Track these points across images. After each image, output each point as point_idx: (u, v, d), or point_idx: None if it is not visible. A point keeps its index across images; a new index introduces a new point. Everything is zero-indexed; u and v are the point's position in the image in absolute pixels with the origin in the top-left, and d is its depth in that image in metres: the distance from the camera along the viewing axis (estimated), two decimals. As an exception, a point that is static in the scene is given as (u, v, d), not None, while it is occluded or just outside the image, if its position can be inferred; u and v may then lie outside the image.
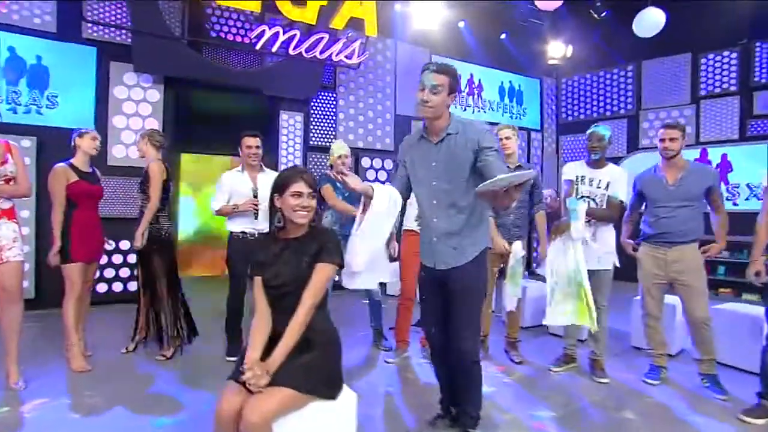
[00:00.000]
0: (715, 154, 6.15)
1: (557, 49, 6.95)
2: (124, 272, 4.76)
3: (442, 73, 1.85)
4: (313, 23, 5.17)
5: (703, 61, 6.27)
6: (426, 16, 5.97)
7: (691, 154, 6.07)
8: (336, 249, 1.69)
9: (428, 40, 6.34)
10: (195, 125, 5.56)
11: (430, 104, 1.85)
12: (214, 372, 2.89)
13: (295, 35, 5.14)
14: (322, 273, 1.65)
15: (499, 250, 3.03)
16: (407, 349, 3.36)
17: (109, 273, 4.70)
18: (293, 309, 1.62)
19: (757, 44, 5.84)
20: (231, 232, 3.29)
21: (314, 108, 5.66)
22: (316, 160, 5.70)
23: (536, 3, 5.12)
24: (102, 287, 4.64)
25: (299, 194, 1.66)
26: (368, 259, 1.95)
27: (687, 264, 2.71)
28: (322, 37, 5.24)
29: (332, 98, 5.74)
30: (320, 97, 5.68)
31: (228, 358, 3.21)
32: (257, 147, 3.28)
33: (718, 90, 6.14)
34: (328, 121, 5.73)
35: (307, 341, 1.62)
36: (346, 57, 5.42)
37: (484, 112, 6.94)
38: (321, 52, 5.27)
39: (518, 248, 3.22)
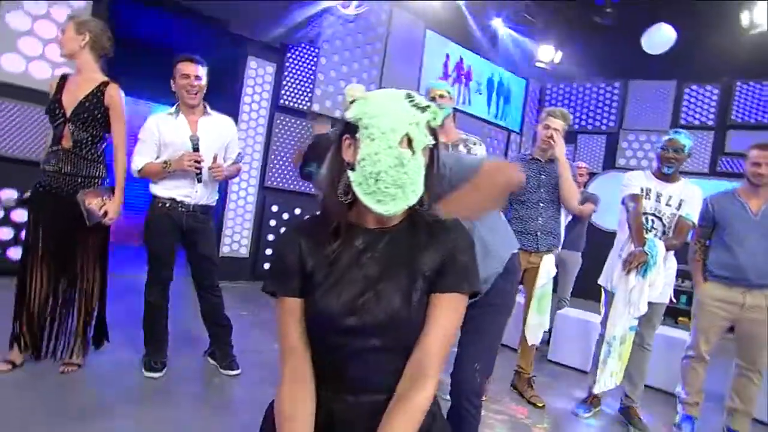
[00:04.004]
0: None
1: (546, 53, 6.64)
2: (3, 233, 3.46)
3: None
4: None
5: (686, 91, 6.28)
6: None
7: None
8: (472, 261, 0.91)
9: (426, 13, 5.63)
10: (135, 60, 4.31)
11: None
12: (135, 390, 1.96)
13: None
14: (449, 314, 0.86)
15: None
16: None
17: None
18: (374, 380, 0.85)
19: (738, 83, 5.94)
20: (154, 197, 2.31)
21: (290, 60, 4.68)
22: (284, 123, 4.73)
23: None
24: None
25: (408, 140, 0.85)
26: None
27: (763, 313, 2.31)
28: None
29: (313, 53, 4.79)
30: (300, 48, 4.71)
31: (146, 374, 2.30)
32: (197, 77, 2.28)
33: (696, 122, 6.18)
34: (304, 79, 4.78)
35: None
36: (342, 3, 4.50)
37: (470, 104, 6.39)
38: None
39: (549, 264, 2.67)
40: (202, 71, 2.31)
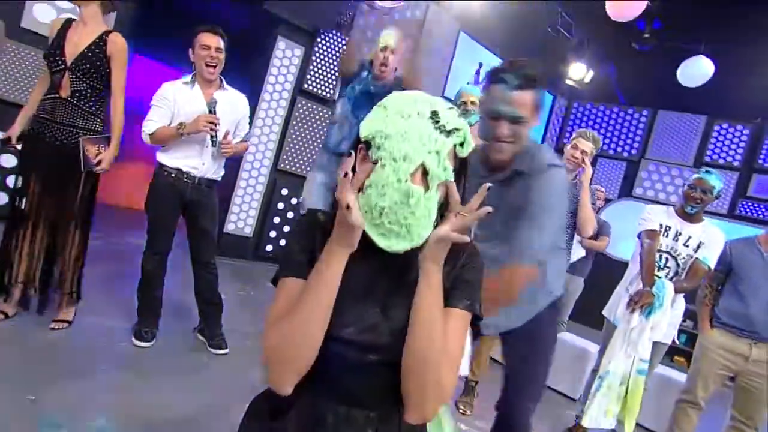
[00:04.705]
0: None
1: (578, 71, 6.53)
2: None
3: None
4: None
5: (716, 128, 6.14)
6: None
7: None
8: (478, 282, 0.86)
9: (462, 15, 5.54)
10: (160, 25, 4.27)
11: None
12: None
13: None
14: (456, 327, 0.80)
15: None
16: None
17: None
18: (369, 395, 0.81)
19: (770, 127, 5.80)
20: (161, 166, 2.28)
21: (319, 46, 4.63)
22: (305, 107, 4.69)
23: (610, 6, 4.52)
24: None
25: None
26: None
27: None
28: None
29: (343, 41, 4.74)
30: (331, 34, 4.65)
31: (135, 342, 2.28)
32: (218, 50, 2.24)
33: (721, 161, 6.05)
34: (331, 66, 4.73)
35: None
36: (380, -5, 4.45)
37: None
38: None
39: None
40: (221, 43, 2.26)
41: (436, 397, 0.76)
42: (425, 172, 0.72)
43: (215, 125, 2.20)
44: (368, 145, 0.76)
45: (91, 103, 2.14)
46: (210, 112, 2.22)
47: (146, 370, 2.10)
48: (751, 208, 5.79)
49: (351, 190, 0.70)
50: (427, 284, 0.75)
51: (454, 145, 0.76)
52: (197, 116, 2.19)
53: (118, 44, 2.13)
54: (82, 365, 1.98)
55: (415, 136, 0.72)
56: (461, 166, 0.80)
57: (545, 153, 1.40)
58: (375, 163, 0.74)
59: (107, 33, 2.13)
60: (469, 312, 0.82)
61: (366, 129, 0.76)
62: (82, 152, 2.06)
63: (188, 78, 2.32)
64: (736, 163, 5.98)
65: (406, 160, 0.71)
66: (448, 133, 0.74)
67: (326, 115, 4.81)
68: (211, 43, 2.23)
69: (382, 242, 0.74)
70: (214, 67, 2.25)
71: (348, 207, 0.70)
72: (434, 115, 0.74)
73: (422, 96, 0.77)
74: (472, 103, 2.40)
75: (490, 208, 0.73)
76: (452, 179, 0.76)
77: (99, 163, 2.12)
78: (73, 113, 2.10)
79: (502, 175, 1.38)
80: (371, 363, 0.79)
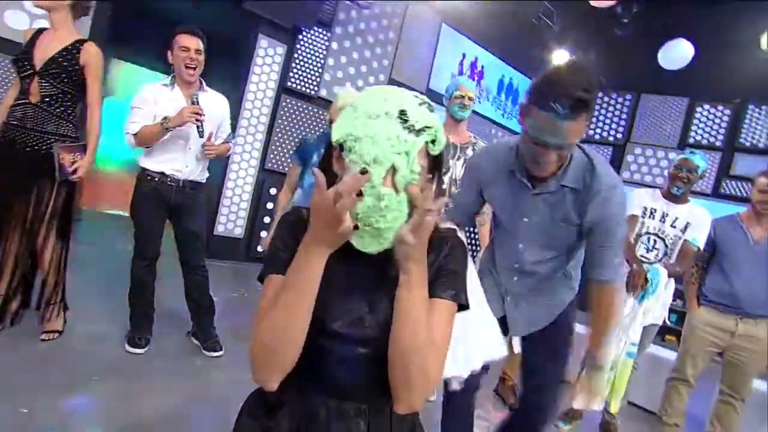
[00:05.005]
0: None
1: (561, 58, 6.56)
2: None
3: None
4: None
5: (698, 109, 6.22)
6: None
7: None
8: (462, 272, 0.86)
9: (443, 7, 5.53)
10: (136, 24, 4.21)
11: None
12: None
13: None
14: (440, 318, 0.80)
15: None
16: None
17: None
18: (360, 387, 0.82)
19: (750, 106, 5.88)
20: (144, 170, 2.25)
21: (302, 43, 4.60)
22: (290, 106, 4.66)
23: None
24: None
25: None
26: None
27: (759, 344, 2.29)
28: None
29: (326, 37, 4.71)
30: (312, 32, 4.62)
31: (129, 349, 2.27)
32: (197, 51, 2.21)
33: (705, 142, 6.13)
34: (314, 63, 4.70)
35: None
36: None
37: (479, 102, 6.33)
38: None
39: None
40: (200, 44, 2.23)
41: (423, 387, 0.76)
42: (396, 173, 0.70)
43: (200, 115, 2.16)
44: (341, 146, 0.76)
45: (61, 108, 2.10)
46: (193, 104, 2.19)
47: (141, 376, 2.10)
48: (735, 187, 5.89)
49: (346, 201, 0.68)
50: (407, 279, 0.74)
51: (426, 143, 0.74)
52: (181, 108, 2.16)
53: (92, 53, 2.10)
54: (75, 375, 1.96)
55: (383, 138, 0.70)
56: (435, 164, 0.78)
57: (604, 172, 1.29)
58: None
59: (81, 42, 2.10)
60: (454, 302, 0.82)
61: (337, 132, 0.75)
62: (56, 160, 2.03)
63: (167, 80, 2.30)
64: (718, 144, 6.07)
65: (377, 163, 0.69)
66: (418, 132, 0.72)
67: (311, 113, 4.79)
68: (190, 45, 2.20)
69: (356, 242, 0.74)
70: (194, 68, 2.23)
71: (340, 219, 0.69)
72: (402, 114, 0.71)
73: (392, 93, 0.75)
74: (470, 98, 2.35)
75: (446, 199, 0.73)
76: (425, 178, 0.74)
77: (75, 171, 2.09)
78: (44, 119, 2.06)
79: (548, 188, 1.30)
80: (360, 356, 0.80)
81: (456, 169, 2.38)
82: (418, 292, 0.75)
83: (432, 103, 0.78)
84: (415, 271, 0.74)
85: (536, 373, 1.58)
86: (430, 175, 0.78)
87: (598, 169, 1.28)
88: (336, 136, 0.75)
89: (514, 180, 1.35)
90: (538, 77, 1.19)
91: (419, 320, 0.75)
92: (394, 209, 0.71)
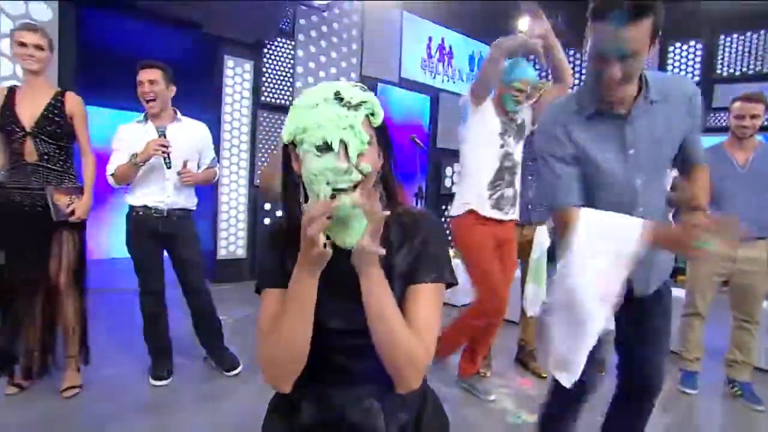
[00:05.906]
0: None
1: (526, 25, 6.57)
2: None
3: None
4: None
5: (670, 49, 6.22)
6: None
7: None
8: (443, 251, 0.89)
9: (401, -4, 5.54)
10: (106, 70, 4.22)
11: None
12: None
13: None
14: (427, 305, 0.83)
15: None
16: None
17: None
18: (378, 370, 0.82)
19: (721, 36, 5.88)
20: (130, 207, 2.31)
21: (268, 56, 4.63)
22: (268, 120, 4.70)
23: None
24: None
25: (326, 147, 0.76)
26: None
27: (761, 264, 2.32)
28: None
29: (290, 47, 4.74)
30: (276, 44, 4.65)
31: (154, 383, 2.32)
32: (151, 83, 2.22)
33: (682, 79, 6.14)
34: (284, 73, 4.73)
35: None
36: (312, -6, 4.44)
37: (453, 82, 6.34)
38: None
39: (542, 236, 2.68)
40: (157, 75, 2.24)
41: (413, 371, 0.81)
42: (347, 150, 0.75)
43: (166, 147, 2.19)
44: (294, 145, 0.81)
45: (60, 163, 2.14)
46: (159, 136, 2.22)
47: (169, 407, 2.14)
48: (723, 118, 5.90)
49: (317, 225, 0.73)
50: (368, 281, 0.79)
51: (366, 116, 0.79)
52: (147, 142, 2.19)
53: (76, 102, 2.14)
54: (106, 418, 2.00)
55: (326, 120, 0.75)
56: (381, 135, 0.83)
57: (678, 77, 1.36)
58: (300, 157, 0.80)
59: (61, 93, 2.14)
60: (438, 283, 0.86)
61: (286, 133, 0.80)
62: (51, 201, 2.05)
63: (141, 116, 2.34)
64: (696, 79, 6.07)
65: (327, 144, 0.75)
66: (356, 107, 0.77)
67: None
68: (143, 78, 2.23)
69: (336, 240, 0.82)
70: (153, 100, 2.25)
71: (314, 242, 0.74)
72: (337, 94, 0.77)
73: (324, 84, 0.81)
74: (528, 96, 2.23)
75: (387, 213, 0.75)
76: (375, 147, 0.81)
77: (73, 212, 2.11)
78: (46, 176, 2.10)
79: (640, 109, 1.24)
80: (360, 346, 0.83)
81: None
82: (381, 289, 0.79)
83: (364, 85, 0.83)
84: (375, 272, 0.78)
85: (647, 341, 1.45)
86: (381, 147, 0.83)
87: (675, 77, 1.34)
88: (286, 137, 0.80)
89: (603, 119, 1.28)
90: None
91: (390, 314, 0.79)
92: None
